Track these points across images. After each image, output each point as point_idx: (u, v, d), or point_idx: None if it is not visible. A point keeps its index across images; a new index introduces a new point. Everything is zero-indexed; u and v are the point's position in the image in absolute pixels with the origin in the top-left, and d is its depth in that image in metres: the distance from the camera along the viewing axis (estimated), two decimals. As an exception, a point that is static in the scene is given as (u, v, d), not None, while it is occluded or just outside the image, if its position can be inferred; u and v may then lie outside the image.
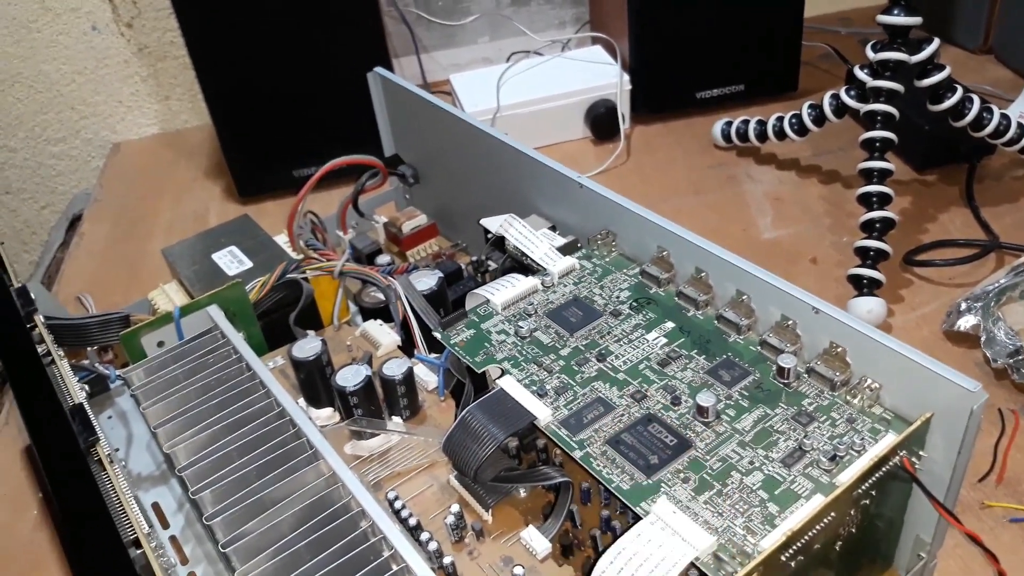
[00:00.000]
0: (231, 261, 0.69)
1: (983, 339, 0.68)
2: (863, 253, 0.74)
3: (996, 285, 0.72)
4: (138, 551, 0.40)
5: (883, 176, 0.76)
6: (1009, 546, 0.55)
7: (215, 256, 0.69)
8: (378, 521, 0.42)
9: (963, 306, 0.71)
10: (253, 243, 0.71)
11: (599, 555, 0.50)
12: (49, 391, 0.48)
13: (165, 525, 0.57)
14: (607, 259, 0.59)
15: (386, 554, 0.41)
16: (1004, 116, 0.81)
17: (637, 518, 0.41)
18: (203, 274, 0.67)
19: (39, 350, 0.52)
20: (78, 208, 1.13)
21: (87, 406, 0.47)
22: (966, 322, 0.70)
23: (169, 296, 0.68)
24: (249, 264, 0.68)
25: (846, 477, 0.41)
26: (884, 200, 0.75)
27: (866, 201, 0.76)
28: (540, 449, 0.53)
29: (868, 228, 0.75)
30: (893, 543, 0.48)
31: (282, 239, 0.73)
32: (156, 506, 0.58)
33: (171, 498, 0.61)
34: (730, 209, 0.91)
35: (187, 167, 1.13)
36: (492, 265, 0.68)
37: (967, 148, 0.90)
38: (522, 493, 0.50)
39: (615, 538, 0.41)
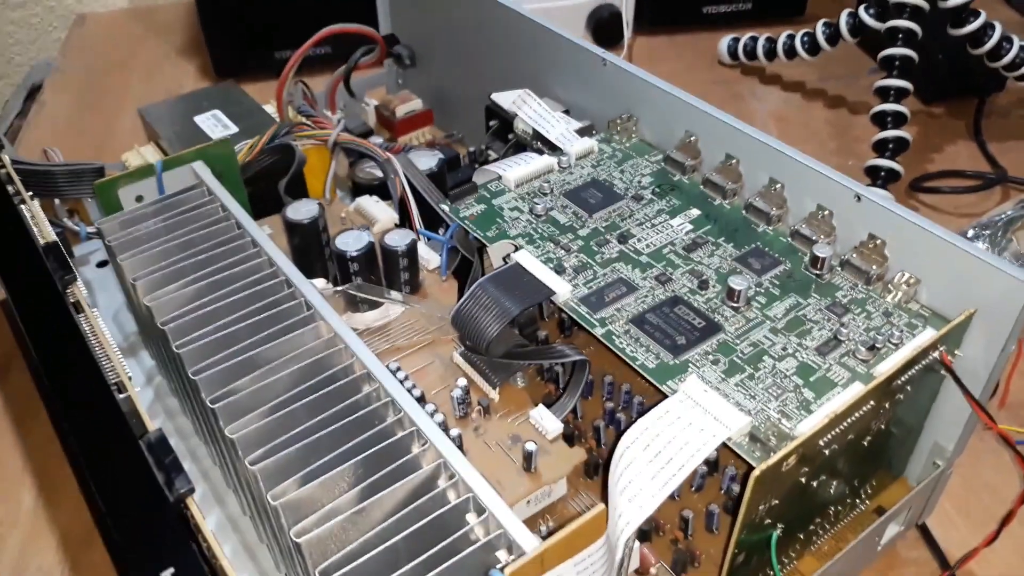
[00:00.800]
0: (215, 125, 0.64)
1: (990, 266, 0.67)
2: (874, 173, 0.72)
3: (1004, 216, 0.71)
4: (123, 395, 0.36)
5: (900, 95, 0.74)
6: (1011, 468, 0.55)
7: (197, 119, 0.64)
8: (385, 384, 0.38)
9: (970, 233, 0.70)
10: (239, 109, 0.66)
11: (600, 445, 0.48)
12: (21, 230, 0.43)
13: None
14: (628, 144, 0.55)
15: (392, 418, 0.38)
16: (1023, 48, 0.79)
17: (645, 410, 0.39)
18: (184, 136, 0.62)
19: (8, 190, 0.47)
20: (38, 78, 1.05)
21: (61, 245, 0.42)
22: (973, 249, 0.69)
23: (145, 157, 0.63)
24: (235, 129, 0.63)
25: (885, 367, 0.39)
26: (899, 120, 0.73)
27: (880, 120, 0.74)
28: (541, 341, 0.50)
29: (881, 148, 0.73)
30: (908, 451, 0.47)
31: (270, 110, 0.68)
32: (124, 377, 0.54)
33: (139, 371, 0.57)
34: (756, 129, 0.87)
35: (159, 44, 1.06)
36: (492, 155, 0.64)
37: (977, 82, 0.88)
38: (520, 383, 0.47)
39: (619, 431, 0.39)
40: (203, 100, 0.66)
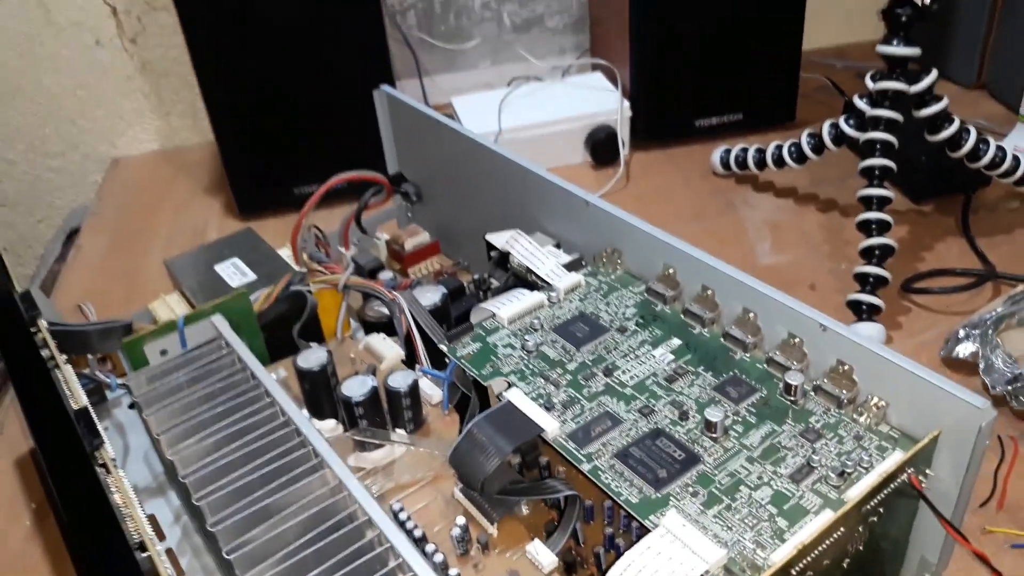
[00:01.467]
0: (234, 273, 0.68)
1: (982, 366, 0.68)
2: (863, 279, 0.75)
3: (993, 314, 0.73)
4: (144, 554, 0.39)
5: (882, 204, 0.77)
6: (1011, 572, 0.55)
7: (218, 267, 0.69)
8: (385, 530, 0.41)
9: (961, 333, 0.72)
10: (256, 256, 0.71)
11: (603, 572, 0.50)
12: (54, 395, 0.48)
13: (162, 537, 0.56)
14: (613, 276, 0.59)
15: (392, 563, 0.41)
16: (1000, 148, 0.82)
17: (645, 532, 0.41)
18: (206, 285, 0.67)
19: (43, 355, 0.52)
20: (76, 222, 1.13)
21: (91, 410, 0.47)
22: (964, 349, 0.71)
23: (171, 307, 0.67)
24: (253, 276, 0.68)
25: (855, 493, 0.41)
26: (883, 227, 0.76)
27: (865, 228, 0.77)
28: (543, 467, 0.53)
29: (867, 255, 0.76)
30: (898, 563, 0.48)
31: (285, 253, 0.73)
32: (152, 518, 0.57)
33: (168, 510, 0.60)
34: (729, 235, 0.91)
35: (186, 183, 1.13)
36: (495, 283, 0.68)
37: (963, 179, 0.91)
38: (524, 510, 0.50)
39: (619, 556, 0.41)
40: (223, 249, 0.72)
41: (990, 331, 0.71)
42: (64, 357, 0.53)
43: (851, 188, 0.81)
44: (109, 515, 0.41)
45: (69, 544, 0.40)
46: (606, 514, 0.49)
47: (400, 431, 0.54)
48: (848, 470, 0.43)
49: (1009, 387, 0.67)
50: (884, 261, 0.75)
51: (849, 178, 0.96)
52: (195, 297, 0.66)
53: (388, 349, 0.61)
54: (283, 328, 0.63)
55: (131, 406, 0.70)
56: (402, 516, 0.47)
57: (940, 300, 0.79)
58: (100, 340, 0.58)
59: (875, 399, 0.46)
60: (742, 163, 0.98)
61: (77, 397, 0.48)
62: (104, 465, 0.44)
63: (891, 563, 0.48)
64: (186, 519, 0.60)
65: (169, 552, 0.55)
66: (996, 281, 0.80)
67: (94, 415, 0.47)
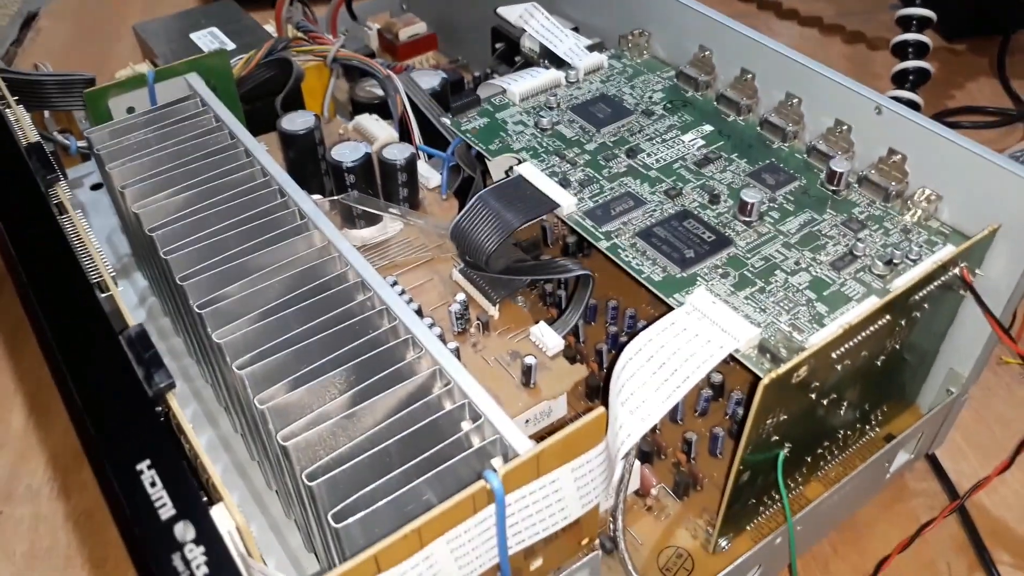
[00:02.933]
0: (212, 41, 0.61)
1: (1010, 202, 0.64)
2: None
3: (1026, 151, 0.68)
4: (104, 294, 0.34)
5: (922, 25, 0.71)
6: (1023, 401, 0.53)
7: (194, 35, 0.62)
8: (379, 292, 0.37)
9: (991, 168, 0.67)
10: (237, 27, 0.64)
11: (604, 369, 0.47)
12: (4, 134, 0.42)
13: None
14: (639, 61, 0.53)
15: (386, 326, 0.36)
16: (1053, -21, 0.75)
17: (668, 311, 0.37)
18: (180, 52, 0.60)
19: (-10, 94, 0.45)
20: (34, 6, 1.03)
21: (45, 146, 0.41)
22: (994, 184, 0.67)
23: (128, 74, 0.60)
24: (233, 45, 0.61)
25: (903, 282, 0.37)
26: (921, 50, 0.70)
27: (901, 50, 0.71)
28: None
29: (900, 79, 0.70)
30: (922, 377, 0.45)
31: (270, 29, 0.66)
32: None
33: (132, 293, 0.56)
34: (776, 41, 0.85)
35: (159, -30, 1.03)
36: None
37: (1002, 19, 0.85)
38: (521, 305, 0.46)
39: None
40: (200, 18, 0.64)
41: (1023, 167, 0.66)
42: (16, 98, 0.46)
43: (879, 23, 0.75)
44: (65, 253, 0.36)
45: (31, 307, 0.35)
46: (609, 313, 0.46)
47: (396, 207, 0.49)
48: (895, 260, 0.39)
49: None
50: (918, 87, 0.70)
51: (877, 12, 0.90)
52: (167, 64, 0.59)
53: (381, 130, 0.55)
54: (264, 100, 0.57)
55: (93, 187, 0.64)
56: (397, 289, 0.43)
57: (969, 136, 0.73)
58: (58, 93, 0.52)
59: (927, 192, 0.41)
60: (768, -15, 0.90)
61: (29, 135, 0.42)
62: (59, 204, 0.39)
63: (917, 374, 0.44)
64: (153, 300, 0.55)
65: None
66: (1030, 122, 0.75)
67: (47, 151, 0.41)
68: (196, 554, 0.25)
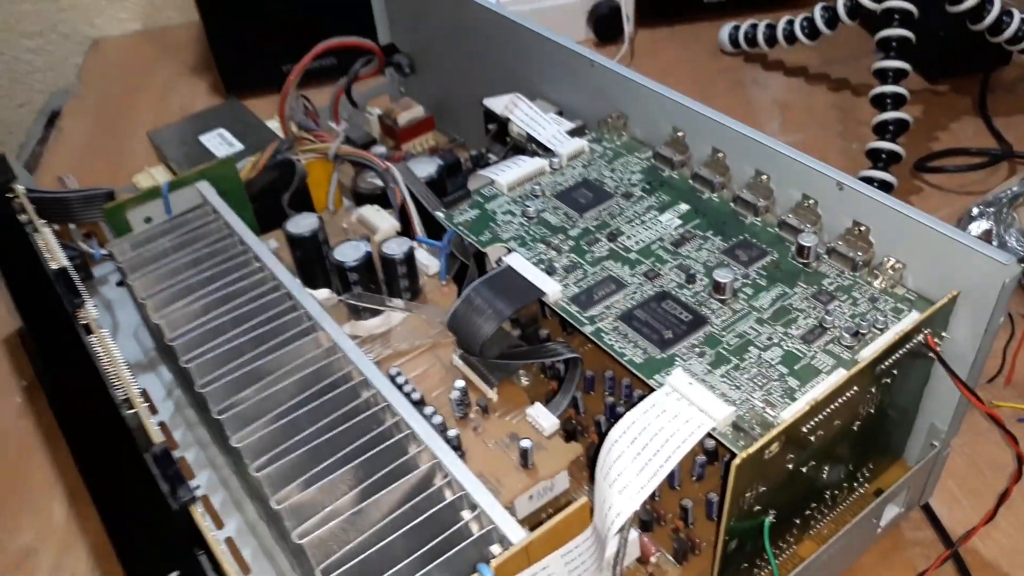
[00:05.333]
0: (220, 143, 0.65)
1: (994, 244, 0.66)
2: (875, 155, 0.72)
3: (1009, 192, 0.71)
4: (130, 411, 0.38)
5: (898, 76, 0.74)
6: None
7: (203, 138, 0.66)
8: (382, 389, 0.40)
9: (975, 211, 0.70)
10: (243, 127, 0.68)
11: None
12: (32, 257, 0.45)
13: (154, 411, 0.55)
14: (618, 143, 0.56)
15: (389, 422, 0.39)
16: (1024, 21, 0.78)
17: (650, 393, 0.40)
18: (192, 156, 0.64)
19: (20, 219, 0.49)
20: (56, 104, 1.08)
21: (71, 270, 0.44)
22: (977, 227, 0.69)
23: (155, 178, 0.65)
24: (240, 146, 0.65)
25: (869, 352, 0.39)
26: (899, 101, 0.73)
27: (879, 102, 0.74)
28: (543, 339, 0.51)
29: (881, 130, 0.73)
30: (906, 432, 0.47)
31: (273, 125, 0.70)
32: (144, 393, 0.56)
33: (160, 386, 0.59)
34: (737, 115, 0.86)
35: (171, 64, 1.08)
36: (493, 158, 0.65)
37: (981, 57, 0.87)
38: (524, 381, 0.49)
39: None
40: (209, 120, 0.68)
41: (1005, 208, 0.69)
42: (42, 221, 0.51)
43: (863, 67, 0.78)
44: (92, 373, 0.39)
45: (54, 406, 0.38)
46: (607, 383, 0.48)
47: (396, 300, 0.52)
48: (862, 331, 0.41)
49: (1022, 264, 0.65)
50: (898, 137, 0.72)
51: (862, 57, 0.93)
52: (180, 168, 0.63)
53: (382, 220, 0.59)
54: (272, 199, 0.61)
55: (119, 283, 0.68)
56: (399, 380, 0.46)
57: (954, 179, 0.76)
58: (81, 208, 0.56)
59: (892, 261, 0.43)
60: (751, 40, 0.93)
61: (57, 258, 0.46)
62: (86, 325, 0.42)
63: (900, 430, 0.46)
64: (179, 393, 0.59)
65: (162, 425, 0.54)
66: (1012, 160, 0.78)
67: (74, 275, 0.44)
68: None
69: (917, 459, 0.47)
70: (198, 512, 0.34)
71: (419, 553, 0.34)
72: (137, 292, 0.48)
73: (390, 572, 0.33)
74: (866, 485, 0.46)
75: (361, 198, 0.63)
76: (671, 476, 0.44)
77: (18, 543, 0.56)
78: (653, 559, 0.44)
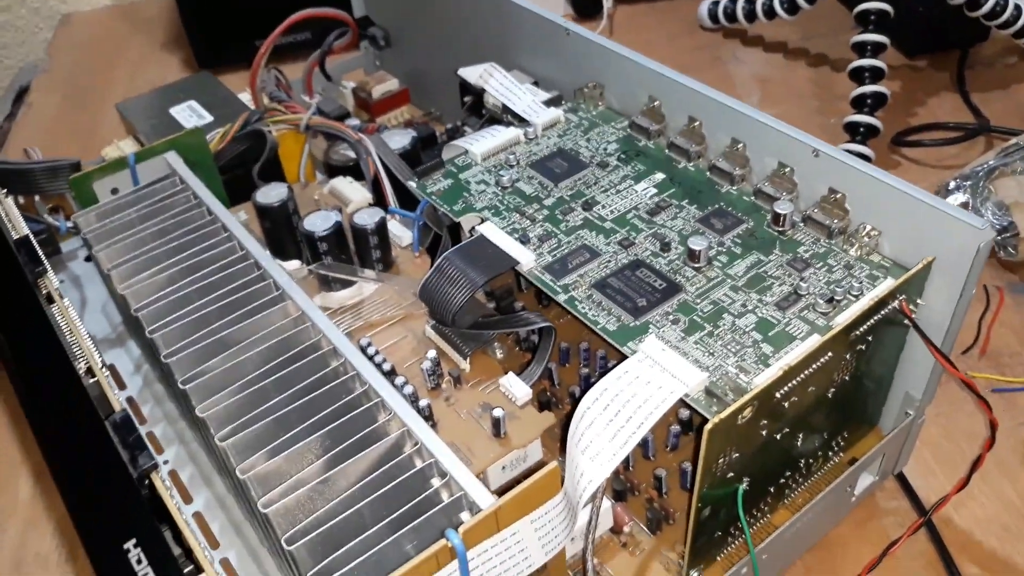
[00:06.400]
0: (190, 115, 0.64)
1: (971, 217, 0.67)
2: (852, 129, 0.72)
3: (986, 165, 0.70)
4: (91, 380, 0.37)
5: (877, 50, 0.73)
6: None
7: (173, 110, 0.65)
8: (351, 358, 0.39)
9: (952, 184, 0.69)
10: (213, 99, 0.66)
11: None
12: (-8, 227, 0.44)
13: (122, 386, 0.54)
14: (594, 113, 0.55)
15: (358, 390, 0.39)
16: (1002, -5, 0.78)
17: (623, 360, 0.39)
18: (161, 128, 0.63)
19: (-21, 188, 0.48)
20: (25, 80, 1.06)
21: (32, 239, 0.43)
22: (955, 200, 0.69)
23: (123, 151, 0.63)
24: (210, 118, 0.64)
25: (843, 318, 0.39)
26: (877, 75, 0.73)
27: (858, 76, 0.73)
28: (518, 311, 0.51)
29: (859, 103, 0.73)
30: (881, 400, 0.47)
31: (245, 97, 0.69)
32: (112, 368, 0.55)
33: (128, 360, 0.58)
34: (716, 90, 0.87)
35: (143, 39, 1.07)
36: (468, 131, 0.64)
37: (959, 33, 0.87)
38: (498, 355, 0.48)
39: None
40: (179, 92, 0.67)
41: (981, 182, 0.69)
42: (4, 191, 0.49)
43: (842, 43, 0.77)
44: (53, 342, 0.38)
45: (15, 379, 0.37)
46: (582, 355, 0.48)
47: (367, 271, 0.51)
48: (837, 297, 0.41)
49: (999, 237, 0.65)
50: (876, 110, 0.72)
51: (841, 33, 0.92)
52: (149, 140, 0.62)
53: (355, 192, 0.58)
54: (243, 172, 0.60)
55: (87, 259, 0.67)
56: (370, 351, 0.45)
57: (931, 153, 0.76)
58: (46, 179, 0.54)
59: (867, 228, 0.43)
60: (731, 15, 0.93)
61: (18, 228, 0.45)
62: (48, 295, 0.41)
63: (875, 398, 0.46)
64: (147, 368, 0.58)
65: (130, 400, 0.53)
66: (989, 135, 0.78)
67: (35, 244, 0.43)
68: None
69: (892, 428, 0.47)
70: (161, 482, 0.33)
71: (387, 520, 0.33)
72: (103, 263, 0.47)
73: (357, 539, 0.33)
74: (841, 454, 0.46)
75: (333, 170, 0.62)
76: (645, 446, 0.44)
77: (-16, 521, 0.55)
78: (627, 528, 0.44)
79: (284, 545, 0.33)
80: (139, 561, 0.29)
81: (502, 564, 0.32)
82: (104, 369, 0.38)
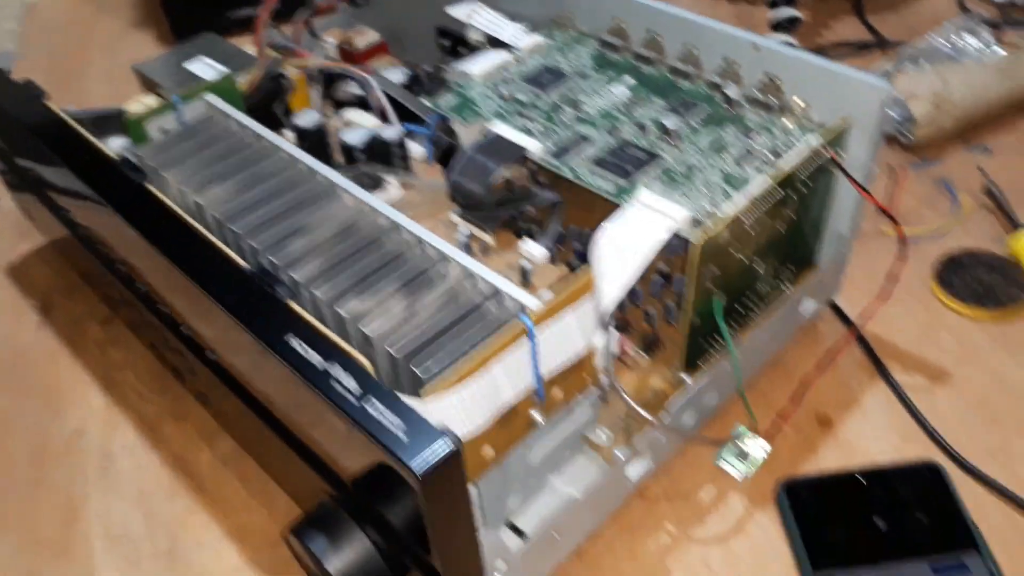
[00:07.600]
0: (207, 68, 0.72)
1: (876, 113, 0.80)
2: (777, 26, 0.84)
3: (884, 72, 0.84)
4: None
5: (788, -18, 0.86)
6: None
7: (188, 65, 0.73)
8: (408, 226, 0.49)
9: (858, 89, 0.83)
10: (223, 54, 0.74)
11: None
12: (94, 153, 0.53)
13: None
14: (568, 36, 0.66)
15: (422, 251, 0.49)
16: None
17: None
18: (181, 82, 0.71)
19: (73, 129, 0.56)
20: (4, 66, 1.11)
21: (130, 155, 0.52)
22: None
23: (147, 104, 0.71)
24: (226, 70, 0.72)
25: (787, 162, 0.51)
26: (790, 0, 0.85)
27: (774, 3, 0.86)
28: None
29: (777, 27, 0.85)
30: (818, 240, 0.59)
31: (250, 51, 0.77)
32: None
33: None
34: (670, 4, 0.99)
35: (113, 20, 1.13)
36: (448, 71, 0.74)
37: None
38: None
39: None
40: (188, 51, 0.75)
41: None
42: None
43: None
44: (177, 219, 0.47)
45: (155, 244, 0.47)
46: (573, 236, 0.58)
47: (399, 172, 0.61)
48: (780, 151, 0.53)
49: (899, 127, 0.78)
50: (791, 31, 0.85)
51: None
52: (172, 91, 0.70)
53: (367, 120, 0.67)
54: (262, 112, 0.68)
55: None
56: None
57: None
58: (97, 128, 0.62)
59: (799, 101, 0.55)
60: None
61: (113, 152, 0.54)
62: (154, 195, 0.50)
63: (814, 238, 0.58)
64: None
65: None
66: (885, 49, 0.91)
67: (134, 158, 0.52)
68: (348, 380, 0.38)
69: (827, 264, 0.60)
70: (294, 304, 0.43)
71: (465, 323, 0.44)
72: (171, 182, 0.56)
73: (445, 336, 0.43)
74: (790, 287, 0.58)
75: (342, 106, 0.71)
76: (634, 294, 0.55)
77: (67, 428, 0.63)
78: (629, 351, 0.55)
79: (389, 350, 0.43)
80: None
81: (557, 346, 0.43)
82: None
